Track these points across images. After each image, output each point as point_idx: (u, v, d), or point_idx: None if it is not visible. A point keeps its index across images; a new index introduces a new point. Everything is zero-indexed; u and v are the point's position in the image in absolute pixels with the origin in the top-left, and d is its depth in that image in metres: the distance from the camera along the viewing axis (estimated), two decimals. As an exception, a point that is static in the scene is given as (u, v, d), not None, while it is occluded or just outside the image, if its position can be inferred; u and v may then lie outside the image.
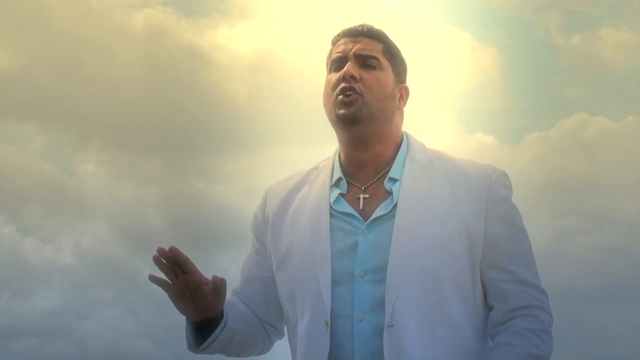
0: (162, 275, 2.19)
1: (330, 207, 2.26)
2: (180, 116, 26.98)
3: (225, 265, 10.27)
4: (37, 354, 11.08)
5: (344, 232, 2.23)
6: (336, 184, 2.30)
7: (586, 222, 11.46)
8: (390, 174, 2.25)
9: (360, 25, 2.34)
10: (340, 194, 2.28)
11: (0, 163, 17.44)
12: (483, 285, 2.21)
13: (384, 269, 2.13)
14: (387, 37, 2.37)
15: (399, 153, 2.29)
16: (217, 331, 2.25)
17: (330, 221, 2.24)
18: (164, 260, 2.15)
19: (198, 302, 2.19)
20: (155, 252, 2.18)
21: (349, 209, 2.24)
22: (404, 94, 2.37)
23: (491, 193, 2.21)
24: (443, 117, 22.93)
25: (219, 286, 2.16)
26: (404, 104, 2.38)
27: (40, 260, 11.52)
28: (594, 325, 10.81)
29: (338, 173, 2.31)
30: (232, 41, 13.74)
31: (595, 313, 11.09)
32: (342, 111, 2.24)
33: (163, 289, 2.19)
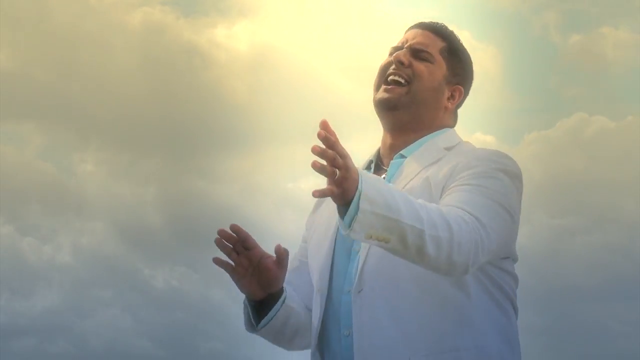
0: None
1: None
2: (180, 115, 26.99)
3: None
4: (37, 353, 11.07)
5: None
6: (367, 167, 2.38)
7: (586, 221, 11.45)
8: (402, 151, 2.31)
9: (432, 22, 2.41)
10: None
11: (-1, 162, 17.45)
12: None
13: None
14: (454, 38, 2.41)
15: (425, 137, 2.33)
16: (277, 305, 2.27)
17: None
18: (225, 242, 2.20)
19: (262, 277, 2.23)
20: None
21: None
22: (456, 94, 2.39)
23: (470, 155, 2.22)
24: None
25: (282, 256, 2.20)
26: (454, 103, 2.40)
27: (39, 260, 11.49)
28: (594, 324, 10.81)
29: (370, 157, 2.41)
30: (231, 39, 13.72)
31: (595, 312, 11.08)
32: (382, 96, 2.31)
33: (226, 270, 2.24)
